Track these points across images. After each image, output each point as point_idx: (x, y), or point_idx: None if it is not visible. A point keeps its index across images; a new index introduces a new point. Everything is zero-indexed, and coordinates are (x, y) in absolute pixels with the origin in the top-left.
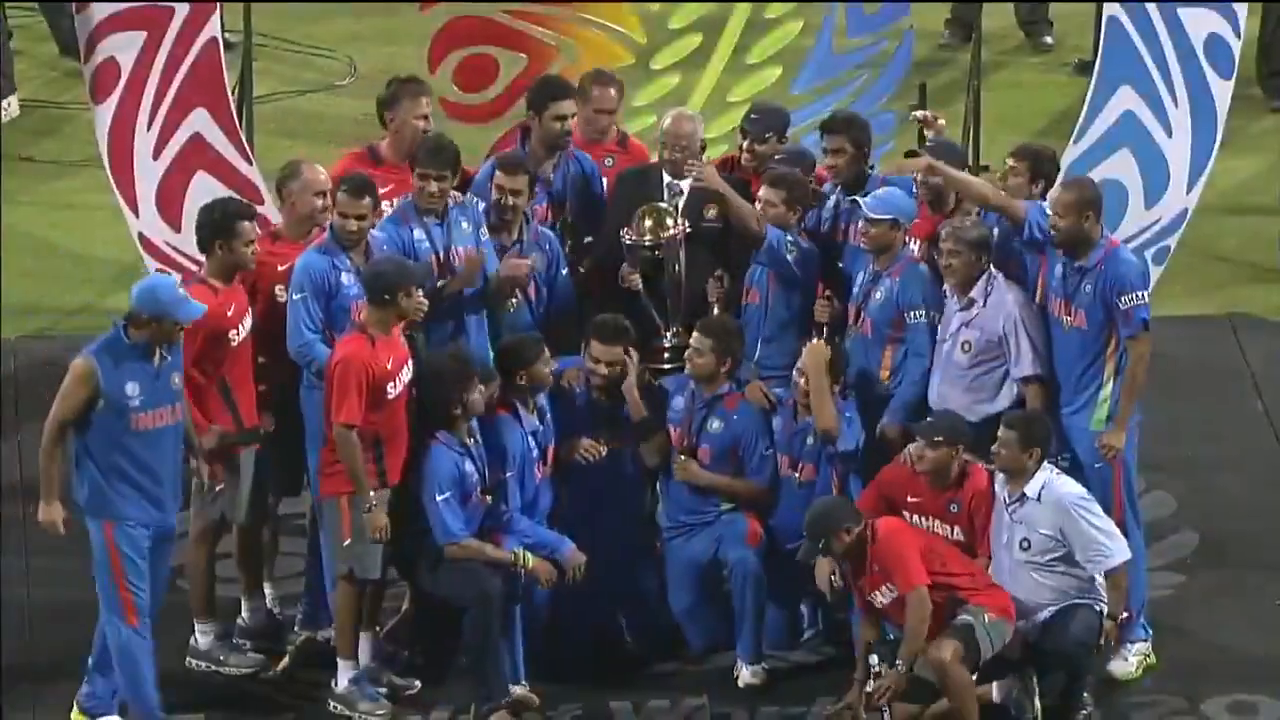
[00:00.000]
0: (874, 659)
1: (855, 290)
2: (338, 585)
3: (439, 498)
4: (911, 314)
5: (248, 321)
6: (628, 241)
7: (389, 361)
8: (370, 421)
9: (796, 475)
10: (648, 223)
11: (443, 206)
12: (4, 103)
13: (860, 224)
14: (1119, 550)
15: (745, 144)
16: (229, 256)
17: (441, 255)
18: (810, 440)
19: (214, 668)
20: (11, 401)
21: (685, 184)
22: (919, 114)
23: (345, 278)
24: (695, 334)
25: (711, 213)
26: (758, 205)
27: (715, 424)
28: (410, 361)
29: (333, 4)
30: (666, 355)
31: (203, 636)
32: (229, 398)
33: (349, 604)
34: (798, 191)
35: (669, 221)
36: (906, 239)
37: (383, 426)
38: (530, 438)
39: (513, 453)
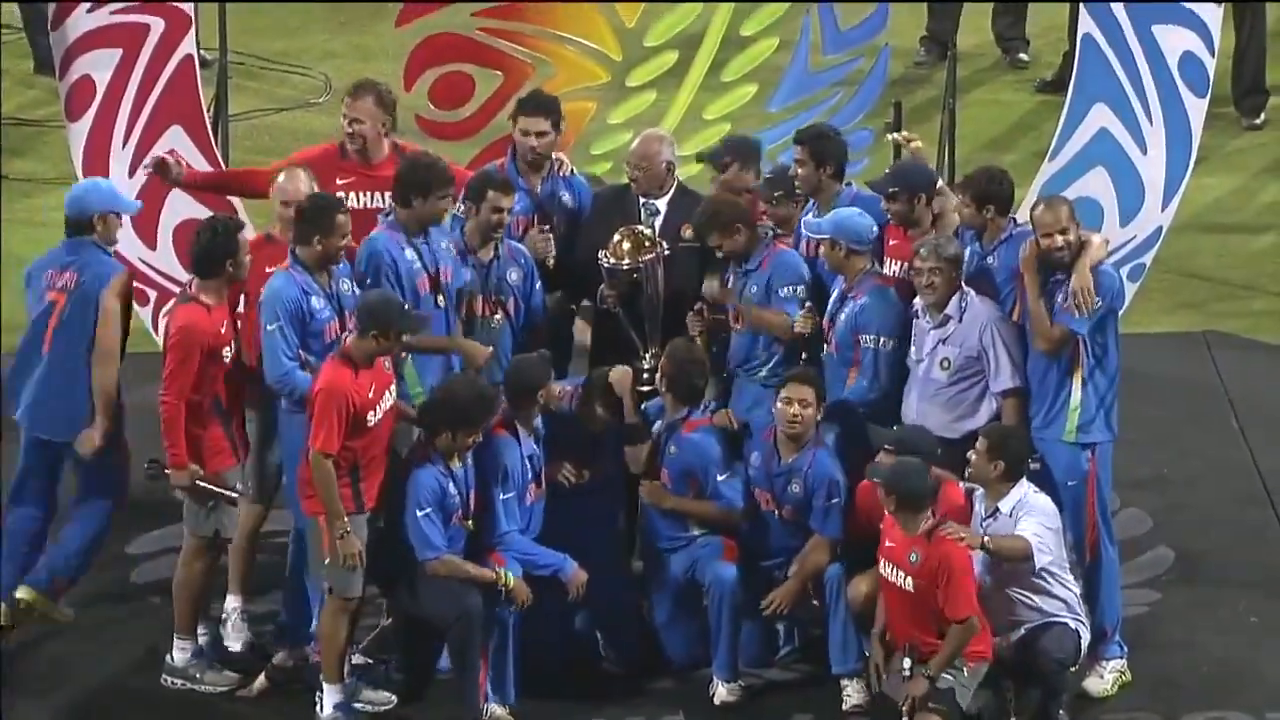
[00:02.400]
0: (906, 662)
1: (830, 309)
2: (324, 606)
3: (420, 513)
4: (864, 337)
5: (238, 339)
6: (606, 265)
7: (371, 390)
8: (349, 447)
9: (777, 513)
10: (626, 245)
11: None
12: None
13: None
14: (1039, 553)
15: (712, 177)
16: (235, 272)
17: (432, 273)
18: (795, 487)
19: (190, 685)
20: None
21: (661, 203)
22: (894, 136)
23: (316, 302)
24: (662, 359)
25: (688, 233)
26: None
27: (672, 448)
28: (393, 385)
29: (308, 22)
30: (645, 376)
31: (180, 653)
32: (222, 413)
33: (335, 626)
34: (723, 218)
35: (646, 244)
36: (871, 262)
37: (362, 453)
38: (526, 461)
39: (512, 473)
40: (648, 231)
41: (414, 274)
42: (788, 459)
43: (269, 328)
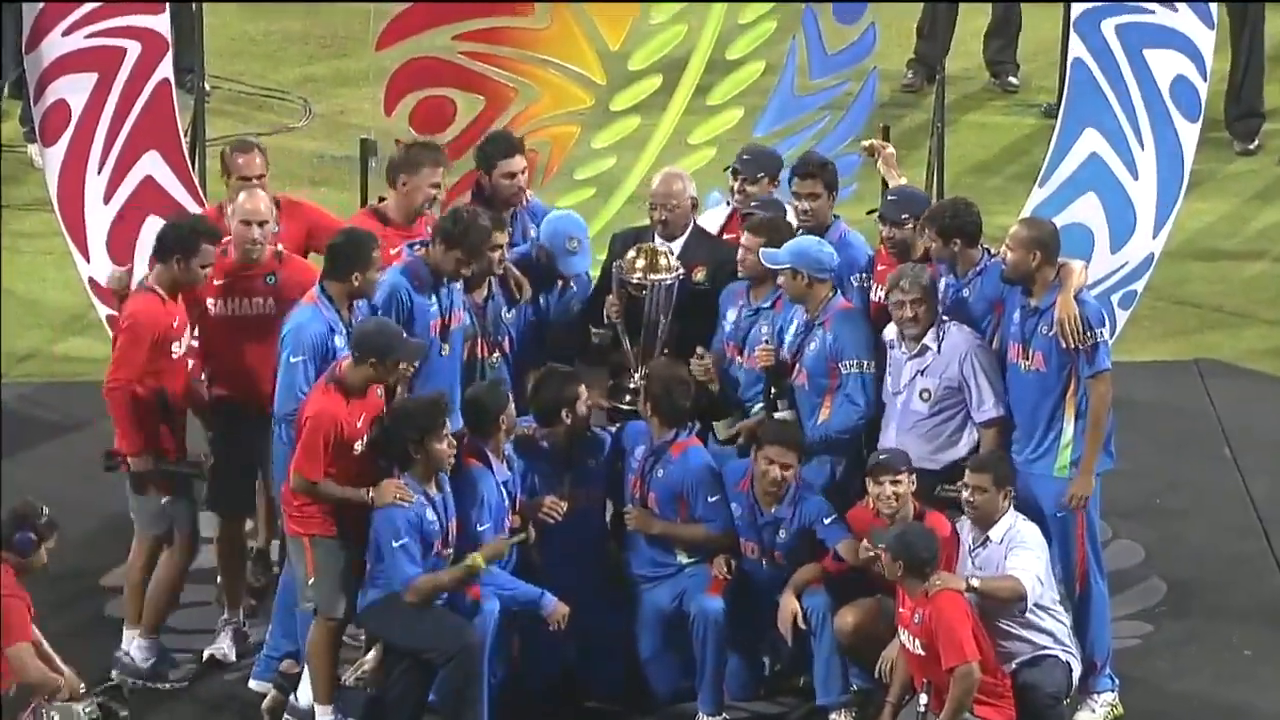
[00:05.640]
0: (923, 699)
1: (789, 340)
2: (312, 625)
3: (395, 543)
4: (845, 364)
5: (187, 337)
6: (618, 275)
7: (360, 419)
8: (330, 473)
9: (764, 562)
10: (641, 261)
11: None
12: (31, 149)
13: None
14: (1027, 585)
15: (737, 185)
16: (183, 273)
17: (445, 320)
18: (781, 534)
19: (151, 684)
20: None
21: (676, 245)
22: (865, 143)
23: (339, 340)
24: (646, 380)
25: (699, 275)
26: (739, 253)
27: (660, 471)
28: (383, 414)
29: (286, 45)
30: (629, 398)
31: (139, 651)
32: (168, 411)
33: (325, 647)
34: (776, 237)
35: (662, 263)
36: (834, 289)
37: (342, 479)
38: (502, 488)
39: (488, 503)
40: (665, 251)
41: (430, 320)
42: (770, 510)
43: (292, 360)
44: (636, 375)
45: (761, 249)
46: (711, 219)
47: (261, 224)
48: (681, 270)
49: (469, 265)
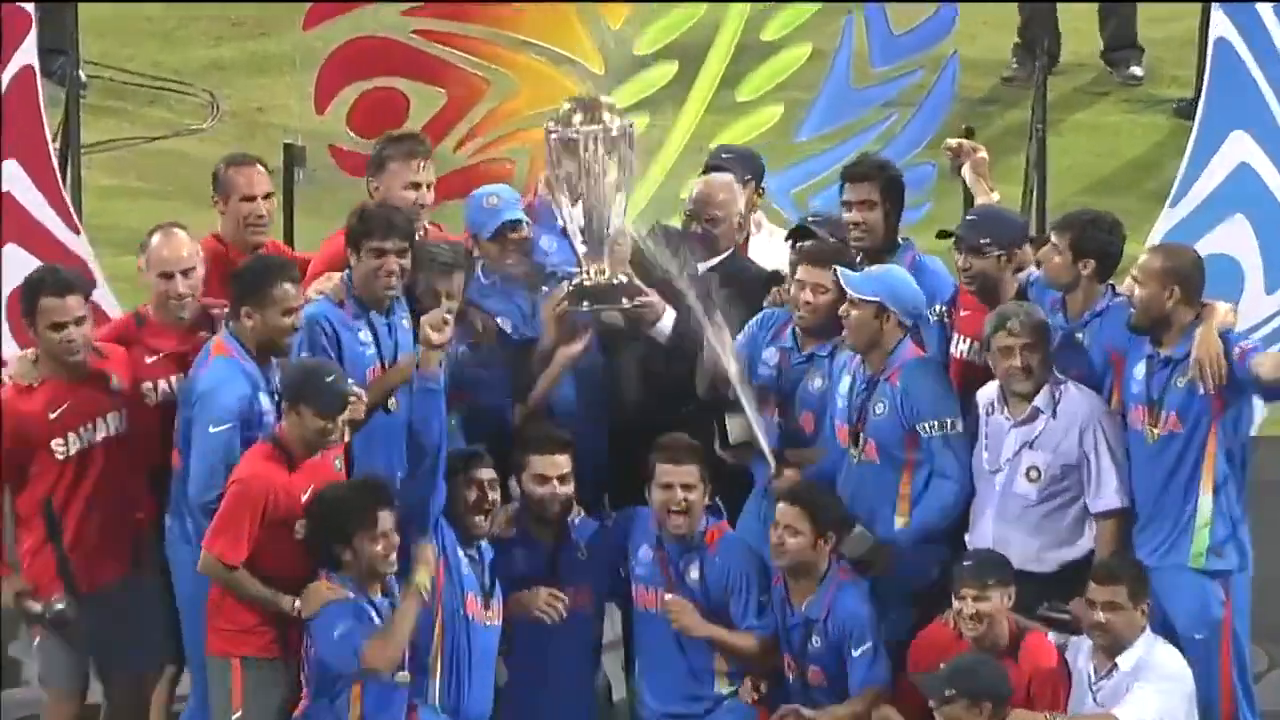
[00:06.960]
0: None
1: (842, 403)
2: None
3: (335, 634)
4: (925, 426)
5: (93, 432)
6: (551, 136)
7: (307, 490)
8: (266, 562)
9: (792, 677)
10: (578, 116)
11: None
12: None
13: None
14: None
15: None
16: (38, 343)
17: (386, 363)
18: (815, 641)
19: None
20: None
21: (704, 266)
22: (950, 143)
23: (264, 400)
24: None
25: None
26: (794, 289)
27: (695, 572)
28: None
29: (188, 23)
30: (587, 303)
31: None
32: (55, 530)
33: None
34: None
35: (605, 116)
36: (905, 335)
37: (278, 570)
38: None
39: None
40: (611, 101)
41: (365, 364)
42: (800, 605)
43: (212, 430)
44: (592, 270)
45: (843, 273)
46: None
47: (186, 272)
48: (632, 123)
49: (364, 257)
